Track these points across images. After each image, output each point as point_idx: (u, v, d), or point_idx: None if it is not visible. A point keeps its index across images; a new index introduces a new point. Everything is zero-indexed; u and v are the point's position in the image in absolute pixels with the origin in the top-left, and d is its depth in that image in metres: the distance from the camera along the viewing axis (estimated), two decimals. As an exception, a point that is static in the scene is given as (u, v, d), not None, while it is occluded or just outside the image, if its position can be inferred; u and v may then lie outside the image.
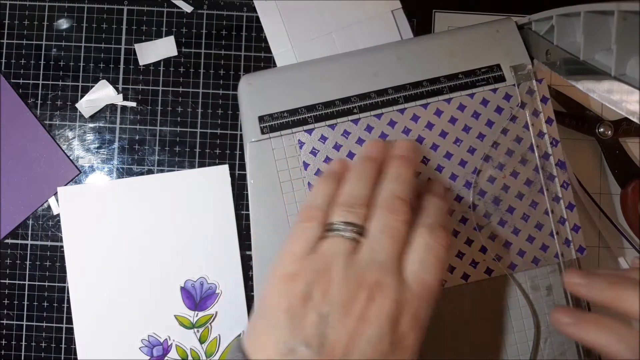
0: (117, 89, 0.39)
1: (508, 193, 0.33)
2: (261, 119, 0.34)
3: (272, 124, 0.34)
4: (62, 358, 0.38)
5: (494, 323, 0.33)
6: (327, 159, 0.34)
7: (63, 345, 0.38)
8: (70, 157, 0.39)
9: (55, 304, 0.38)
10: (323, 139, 0.34)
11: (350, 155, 0.34)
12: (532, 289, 0.33)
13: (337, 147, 0.34)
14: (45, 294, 0.38)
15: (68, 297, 0.38)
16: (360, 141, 0.34)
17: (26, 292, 0.39)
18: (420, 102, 0.34)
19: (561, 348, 0.33)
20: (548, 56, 0.34)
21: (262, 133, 0.33)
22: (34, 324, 0.38)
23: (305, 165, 0.34)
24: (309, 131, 0.34)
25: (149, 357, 0.38)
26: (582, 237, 0.33)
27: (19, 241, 0.39)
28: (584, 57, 0.31)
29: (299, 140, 0.34)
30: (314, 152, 0.34)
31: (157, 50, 0.39)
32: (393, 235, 0.27)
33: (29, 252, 0.39)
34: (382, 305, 0.25)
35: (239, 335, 0.38)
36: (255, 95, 0.34)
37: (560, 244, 0.33)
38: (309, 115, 0.34)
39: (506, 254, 0.33)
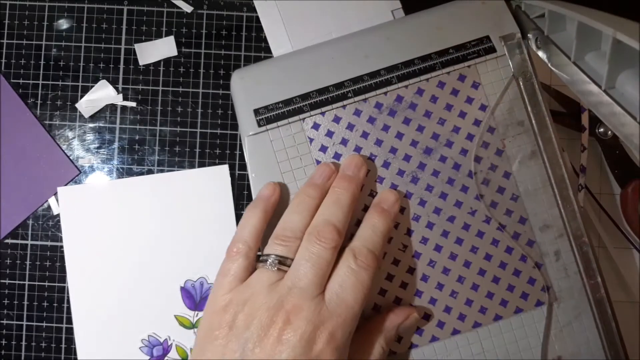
0: (117, 89, 0.39)
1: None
2: (256, 111, 0.34)
3: (268, 115, 0.33)
4: (62, 358, 0.38)
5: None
6: (344, 140, 0.34)
7: (63, 345, 0.38)
8: (70, 157, 0.39)
9: (55, 304, 0.38)
10: (337, 119, 0.34)
11: (364, 134, 0.34)
12: (542, 255, 0.33)
13: (350, 126, 0.34)
14: (45, 294, 0.38)
15: (68, 297, 0.38)
16: (371, 119, 0.34)
17: (26, 292, 0.39)
18: (413, 80, 0.34)
19: (575, 311, 0.33)
20: (538, 44, 0.34)
21: (259, 126, 0.33)
22: (34, 324, 0.38)
23: (324, 148, 0.34)
24: (319, 116, 0.34)
25: (149, 357, 0.38)
26: None
27: (19, 241, 0.39)
28: (575, 58, 0.31)
29: (314, 121, 0.34)
30: (329, 134, 0.34)
31: (157, 50, 0.39)
32: (316, 262, 0.29)
33: (29, 252, 0.39)
34: (298, 327, 0.27)
35: None
36: (248, 89, 0.34)
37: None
38: (303, 103, 0.34)
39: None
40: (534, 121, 0.34)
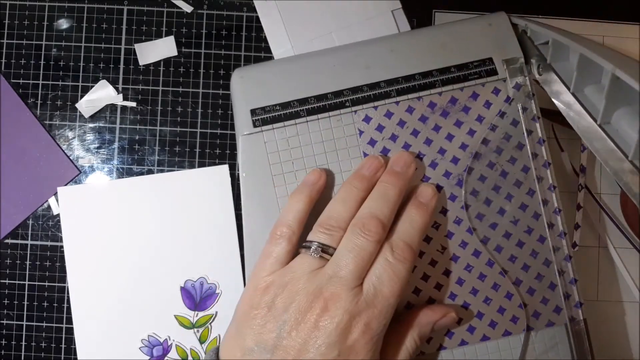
0: (117, 89, 0.39)
1: (506, 179, 0.33)
2: (253, 112, 0.34)
3: (265, 117, 0.33)
4: (62, 358, 0.38)
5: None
6: (393, 136, 0.34)
7: (63, 345, 0.38)
8: (70, 157, 0.39)
9: (55, 304, 0.38)
10: (389, 114, 0.34)
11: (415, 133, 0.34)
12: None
13: (401, 123, 0.34)
14: (45, 294, 0.38)
15: (68, 297, 0.38)
16: (423, 118, 0.34)
17: (26, 292, 0.39)
18: (412, 95, 0.34)
19: (552, 341, 0.33)
20: (540, 70, 0.34)
21: (254, 126, 0.33)
22: (34, 324, 0.38)
23: (373, 142, 0.34)
24: (371, 110, 0.34)
25: (149, 357, 0.38)
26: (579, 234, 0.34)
27: (19, 241, 0.39)
28: (574, 89, 0.31)
29: (365, 114, 0.33)
30: (379, 128, 0.34)
31: (157, 50, 0.39)
32: (358, 254, 0.29)
33: (29, 252, 0.39)
34: (334, 315, 0.28)
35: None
36: (247, 89, 0.34)
37: (554, 238, 0.33)
38: (300, 108, 0.34)
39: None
40: (529, 147, 0.34)
